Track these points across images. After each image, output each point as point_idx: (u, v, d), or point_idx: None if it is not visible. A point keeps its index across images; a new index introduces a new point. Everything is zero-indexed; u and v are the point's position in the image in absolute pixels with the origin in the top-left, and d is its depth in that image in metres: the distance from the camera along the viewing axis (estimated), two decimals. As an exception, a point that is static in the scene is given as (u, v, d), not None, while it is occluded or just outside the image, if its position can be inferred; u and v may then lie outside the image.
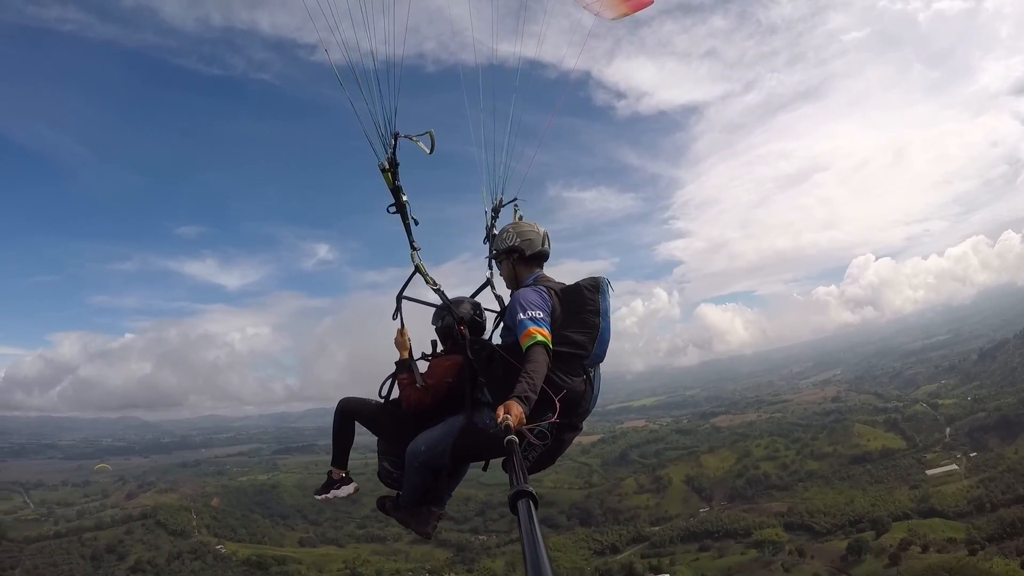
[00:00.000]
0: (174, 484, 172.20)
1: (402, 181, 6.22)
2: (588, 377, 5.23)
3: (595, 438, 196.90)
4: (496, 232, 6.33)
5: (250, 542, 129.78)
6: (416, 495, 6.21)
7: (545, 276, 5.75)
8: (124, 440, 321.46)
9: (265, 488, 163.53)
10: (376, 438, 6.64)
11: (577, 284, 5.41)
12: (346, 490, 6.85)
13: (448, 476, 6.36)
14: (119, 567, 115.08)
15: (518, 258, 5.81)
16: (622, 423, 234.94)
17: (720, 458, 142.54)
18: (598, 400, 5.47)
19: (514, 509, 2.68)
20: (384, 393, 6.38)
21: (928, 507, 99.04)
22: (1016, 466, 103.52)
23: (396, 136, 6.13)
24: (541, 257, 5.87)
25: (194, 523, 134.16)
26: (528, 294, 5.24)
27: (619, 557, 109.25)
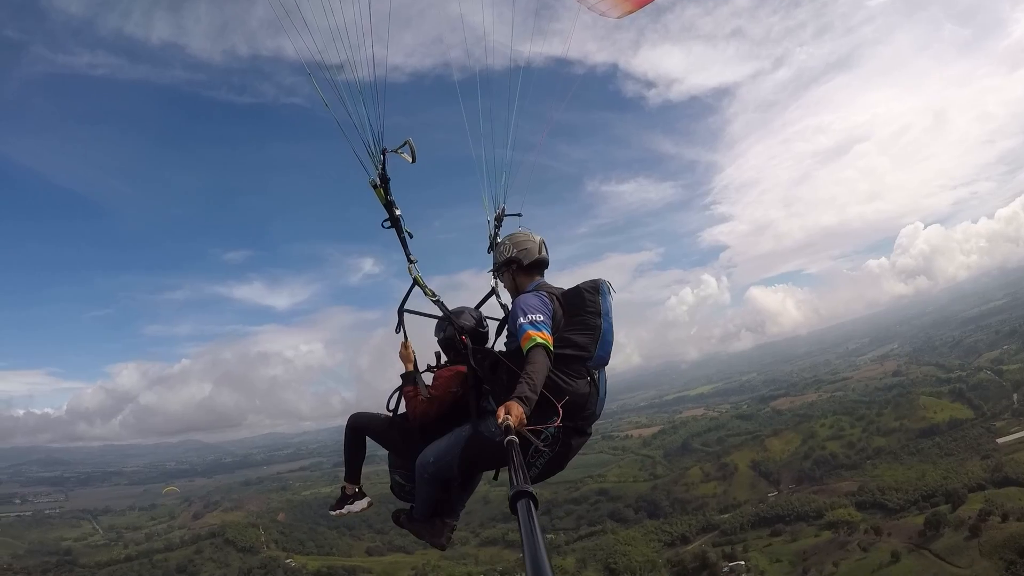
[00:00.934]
0: (239, 502, 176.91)
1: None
2: (593, 379, 5.25)
3: (655, 429, 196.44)
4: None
5: (318, 554, 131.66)
6: (428, 507, 6.34)
7: (546, 283, 5.80)
8: (186, 463, 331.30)
9: (329, 500, 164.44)
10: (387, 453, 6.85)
11: (577, 287, 5.49)
12: (359, 505, 7.01)
13: (460, 487, 6.45)
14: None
15: (517, 268, 5.88)
16: (680, 413, 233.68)
17: (785, 441, 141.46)
18: (606, 404, 5.57)
19: (514, 510, 2.76)
20: (392, 407, 6.53)
21: (1003, 476, 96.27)
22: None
23: (384, 152, 6.28)
24: (540, 265, 5.93)
25: (262, 539, 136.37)
26: (528, 299, 5.33)
27: (690, 547, 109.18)
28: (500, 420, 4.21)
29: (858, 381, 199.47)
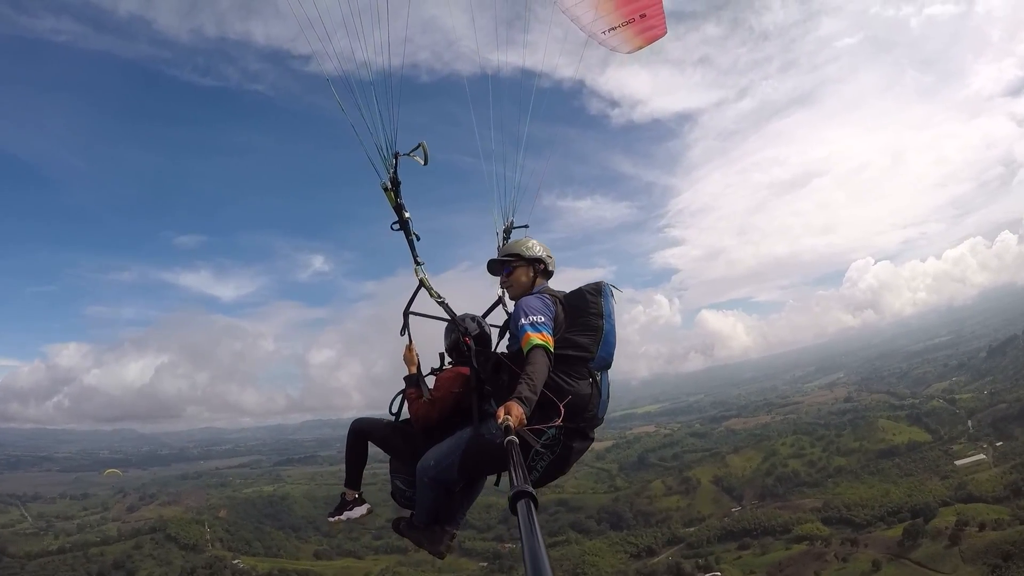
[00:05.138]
0: (176, 496, 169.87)
1: (404, 192, 6.41)
2: (595, 381, 5.24)
3: (608, 443, 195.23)
4: (511, 240, 6.62)
5: (266, 556, 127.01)
6: (429, 513, 6.20)
7: (549, 287, 5.86)
8: (120, 452, 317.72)
9: (274, 500, 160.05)
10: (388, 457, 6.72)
11: (579, 289, 5.54)
12: (359, 511, 6.84)
13: (461, 494, 6.37)
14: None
15: (542, 270, 5.95)
16: (631, 429, 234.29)
17: (746, 458, 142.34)
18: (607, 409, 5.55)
19: (514, 510, 2.70)
20: (394, 410, 6.47)
21: (966, 494, 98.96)
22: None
23: (396, 156, 6.36)
24: (551, 275, 6.05)
25: (207, 537, 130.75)
26: (530, 301, 5.34)
27: (657, 559, 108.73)
28: (500, 420, 4.20)
29: (810, 405, 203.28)
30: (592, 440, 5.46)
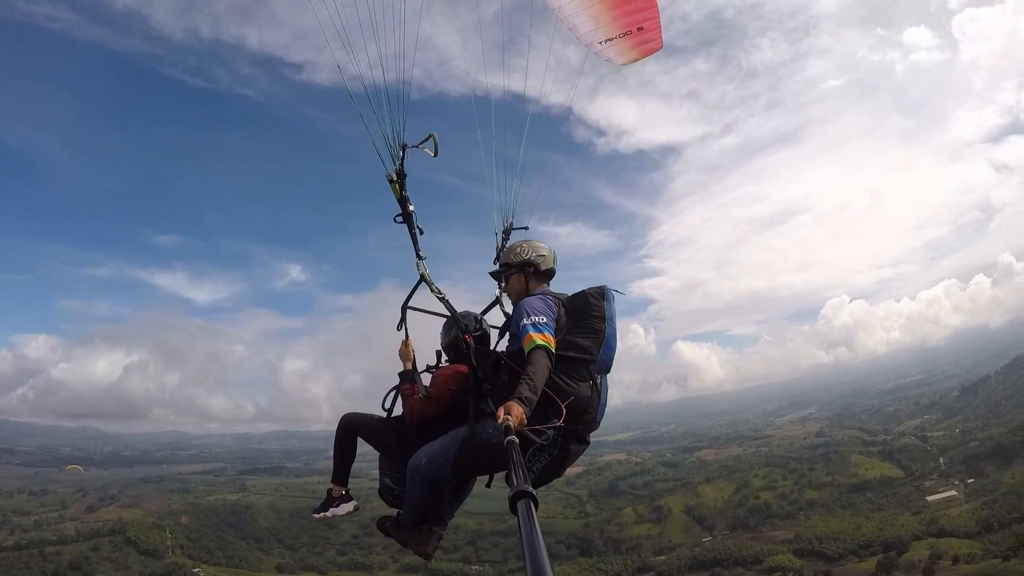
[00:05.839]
0: (137, 499, 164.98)
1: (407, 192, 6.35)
2: (595, 384, 5.26)
3: (579, 470, 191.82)
4: (509, 243, 6.58)
5: (227, 566, 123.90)
6: (417, 513, 6.10)
7: (551, 290, 5.84)
8: (83, 450, 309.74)
9: (238, 509, 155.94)
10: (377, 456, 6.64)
11: (582, 292, 5.54)
12: (345, 508, 6.69)
13: (451, 494, 6.30)
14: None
15: (532, 272, 5.88)
16: (602, 456, 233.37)
17: (718, 489, 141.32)
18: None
19: (514, 510, 2.70)
20: (387, 406, 6.34)
21: (938, 528, 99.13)
22: (1017, 488, 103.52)
23: (404, 147, 6.32)
24: (550, 275, 6.00)
25: (168, 543, 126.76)
26: (533, 302, 5.34)
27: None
28: (500, 420, 4.24)
29: (782, 439, 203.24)
30: (588, 444, 5.42)
